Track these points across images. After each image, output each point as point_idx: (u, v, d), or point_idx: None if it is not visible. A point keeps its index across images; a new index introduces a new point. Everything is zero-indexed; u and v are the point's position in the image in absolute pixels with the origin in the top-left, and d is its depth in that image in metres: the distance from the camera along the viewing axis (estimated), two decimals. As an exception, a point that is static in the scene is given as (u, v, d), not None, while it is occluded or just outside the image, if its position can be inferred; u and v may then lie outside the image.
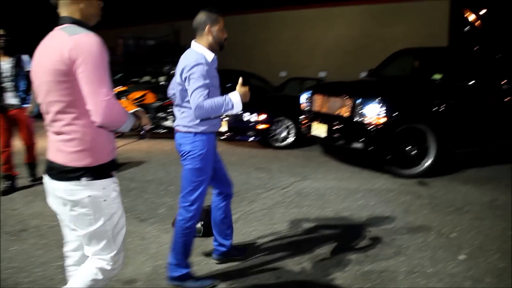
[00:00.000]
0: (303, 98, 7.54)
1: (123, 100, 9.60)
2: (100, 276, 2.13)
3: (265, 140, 8.38)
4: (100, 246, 2.11)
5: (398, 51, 8.15)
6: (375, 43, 15.18)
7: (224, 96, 2.87)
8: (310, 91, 7.42)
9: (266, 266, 3.51)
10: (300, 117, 7.63)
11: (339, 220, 4.62)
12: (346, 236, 4.14)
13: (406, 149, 6.28)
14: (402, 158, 6.27)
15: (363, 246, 3.94)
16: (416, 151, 6.29)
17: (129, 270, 3.37)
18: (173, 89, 3.17)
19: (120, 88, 10.34)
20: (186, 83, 2.87)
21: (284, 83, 10.82)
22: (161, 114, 9.34)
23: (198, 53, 2.92)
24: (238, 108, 2.90)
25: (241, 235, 4.07)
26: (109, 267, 2.14)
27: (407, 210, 4.91)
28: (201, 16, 2.99)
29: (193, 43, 3.02)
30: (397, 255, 3.74)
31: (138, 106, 9.01)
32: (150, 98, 9.63)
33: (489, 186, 5.94)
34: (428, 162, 6.30)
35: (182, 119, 3.02)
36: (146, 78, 12.57)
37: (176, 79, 3.02)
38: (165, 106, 9.28)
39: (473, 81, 6.68)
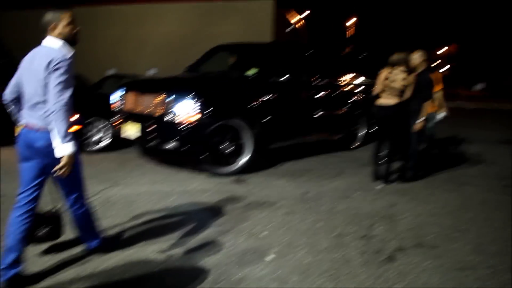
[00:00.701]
0: (116, 96, 6.91)
1: None
2: None
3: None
4: None
5: (216, 47, 7.99)
6: (203, 40, 15.13)
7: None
8: (124, 89, 6.82)
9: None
10: (112, 117, 6.97)
11: (144, 227, 4.14)
12: (148, 246, 3.68)
13: (222, 147, 6.08)
14: (218, 156, 6.04)
15: (167, 255, 3.53)
16: (232, 148, 6.13)
17: None
18: (13, 92, 3.05)
19: None
20: (53, 77, 2.76)
21: (101, 80, 9.96)
22: None
23: (56, 50, 2.89)
24: (64, 148, 2.80)
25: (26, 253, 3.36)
26: None
27: (220, 211, 4.66)
28: (46, 16, 2.97)
29: (46, 40, 2.96)
30: (203, 264, 3.42)
31: None
32: None
33: (303, 179, 6.06)
34: (244, 159, 6.20)
35: (40, 115, 2.87)
36: None
37: (37, 75, 2.82)
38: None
39: (286, 77, 6.78)
